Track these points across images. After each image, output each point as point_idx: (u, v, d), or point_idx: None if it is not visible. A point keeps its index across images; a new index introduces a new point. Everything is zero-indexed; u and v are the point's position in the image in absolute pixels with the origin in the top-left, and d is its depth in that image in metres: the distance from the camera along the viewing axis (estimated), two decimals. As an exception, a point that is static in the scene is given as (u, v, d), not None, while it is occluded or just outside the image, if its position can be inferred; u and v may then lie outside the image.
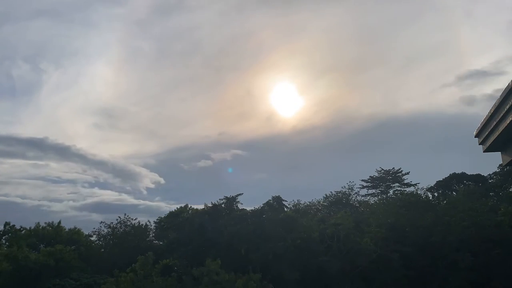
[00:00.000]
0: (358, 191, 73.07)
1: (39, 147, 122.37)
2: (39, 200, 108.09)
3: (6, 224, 54.85)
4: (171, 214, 53.90)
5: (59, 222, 56.41)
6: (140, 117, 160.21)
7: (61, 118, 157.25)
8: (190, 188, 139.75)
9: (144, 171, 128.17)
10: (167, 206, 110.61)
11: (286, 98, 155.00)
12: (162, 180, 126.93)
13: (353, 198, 71.48)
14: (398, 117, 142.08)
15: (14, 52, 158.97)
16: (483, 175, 65.41)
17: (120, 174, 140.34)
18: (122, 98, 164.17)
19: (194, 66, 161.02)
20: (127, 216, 57.66)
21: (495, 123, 6.41)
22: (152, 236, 58.85)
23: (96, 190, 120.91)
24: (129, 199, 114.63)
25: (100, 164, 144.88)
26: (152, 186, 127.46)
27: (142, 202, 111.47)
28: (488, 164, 73.06)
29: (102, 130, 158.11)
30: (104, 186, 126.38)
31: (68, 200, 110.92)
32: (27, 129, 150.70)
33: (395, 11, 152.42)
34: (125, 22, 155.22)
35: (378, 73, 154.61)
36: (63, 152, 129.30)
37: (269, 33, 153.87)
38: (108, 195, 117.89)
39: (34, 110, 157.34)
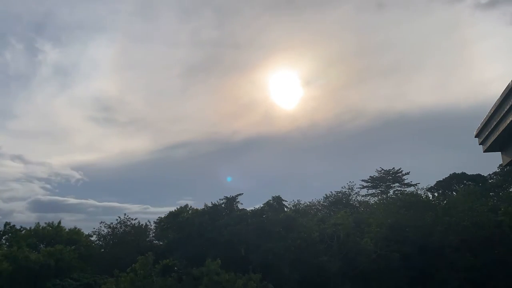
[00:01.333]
0: (358, 191, 73.24)
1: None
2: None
3: (6, 224, 54.94)
4: (171, 214, 53.84)
5: (59, 222, 56.48)
6: (136, 109, 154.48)
7: (55, 108, 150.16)
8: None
9: (75, 173, 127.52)
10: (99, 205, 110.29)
11: (288, 93, 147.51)
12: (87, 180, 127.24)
13: (353, 198, 71.60)
14: (408, 114, 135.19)
15: (9, 26, 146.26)
16: (483, 175, 65.46)
17: (53, 175, 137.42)
18: (120, 86, 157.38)
19: (195, 57, 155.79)
20: (127, 216, 57.77)
21: (495, 123, 6.41)
22: (152, 236, 58.88)
23: (27, 189, 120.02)
24: (58, 199, 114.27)
25: (36, 165, 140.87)
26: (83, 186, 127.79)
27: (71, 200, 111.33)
28: (488, 164, 72.94)
29: (97, 123, 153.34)
30: (37, 185, 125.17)
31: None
32: (22, 121, 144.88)
33: (406, 3, 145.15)
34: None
35: (388, 67, 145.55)
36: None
37: (272, 21, 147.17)
38: (42, 195, 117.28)
39: (27, 98, 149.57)
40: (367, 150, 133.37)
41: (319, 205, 69.35)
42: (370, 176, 75.62)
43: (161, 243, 54.74)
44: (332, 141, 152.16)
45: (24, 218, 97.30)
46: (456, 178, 66.95)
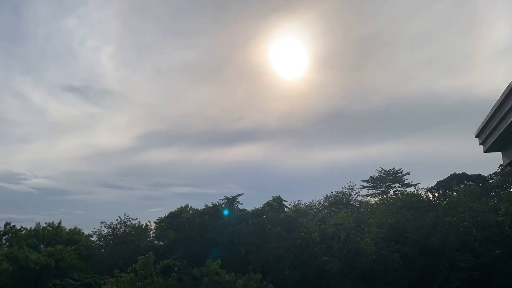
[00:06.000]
0: (359, 191, 73.35)
1: None
2: None
3: (7, 224, 54.90)
4: (171, 214, 53.85)
5: (60, 222, 56.48)
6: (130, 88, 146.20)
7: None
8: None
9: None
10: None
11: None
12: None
13: (354, 198, 71.71)
14: (431, 97, 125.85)
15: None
16: (484, 175, 65.46)
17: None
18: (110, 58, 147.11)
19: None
20: (127, 216, 57.77)
21: (495, 123, 6.40)
22: (152, 236, 58.89)
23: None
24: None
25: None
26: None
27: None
28: (489, 164, 72.57)
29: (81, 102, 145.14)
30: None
31: None
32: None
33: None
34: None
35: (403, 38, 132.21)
36: None
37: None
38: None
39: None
40: (367, 140, 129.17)
41: (319, 205, 69.50)
42: (370, 176, 75.67)
43: (161, 243, 54.74)
44: (334, 129, 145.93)
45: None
46: (457, 178, 66.95)
